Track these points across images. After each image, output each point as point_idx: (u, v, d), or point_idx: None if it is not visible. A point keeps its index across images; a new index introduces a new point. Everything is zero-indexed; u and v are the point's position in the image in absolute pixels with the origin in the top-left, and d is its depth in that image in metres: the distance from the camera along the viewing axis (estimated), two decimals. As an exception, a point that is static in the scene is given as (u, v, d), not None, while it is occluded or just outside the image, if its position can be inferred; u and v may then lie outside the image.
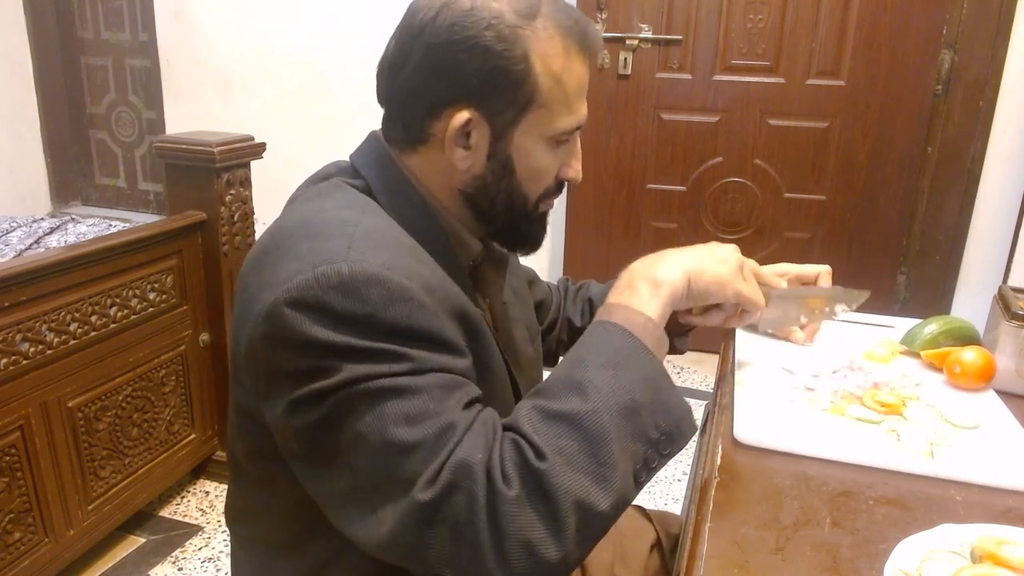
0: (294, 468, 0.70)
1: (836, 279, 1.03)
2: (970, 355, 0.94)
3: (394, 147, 0.79)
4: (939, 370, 0.98)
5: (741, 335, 1.06)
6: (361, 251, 0.66)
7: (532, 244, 0.85)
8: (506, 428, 0.67)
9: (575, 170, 0.81)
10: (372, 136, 0.82)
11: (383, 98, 0.79)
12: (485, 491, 0.61)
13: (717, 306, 0.85)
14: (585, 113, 0.79)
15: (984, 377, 0.93)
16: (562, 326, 1.13)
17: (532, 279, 1.10)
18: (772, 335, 1.07)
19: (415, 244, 0.73)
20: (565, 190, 0.92)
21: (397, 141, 0.79)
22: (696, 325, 0.88)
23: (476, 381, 0.72)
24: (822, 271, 1.02)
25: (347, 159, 0.83)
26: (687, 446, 0.72)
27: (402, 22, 0.75)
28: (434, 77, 0.73)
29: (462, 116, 0.72)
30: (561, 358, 0.77)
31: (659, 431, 0.67)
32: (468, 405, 0.66)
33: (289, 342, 0.65)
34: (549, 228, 0.87)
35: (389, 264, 0.65)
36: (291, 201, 0.81)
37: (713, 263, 0.78)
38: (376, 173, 0.78)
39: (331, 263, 0.64)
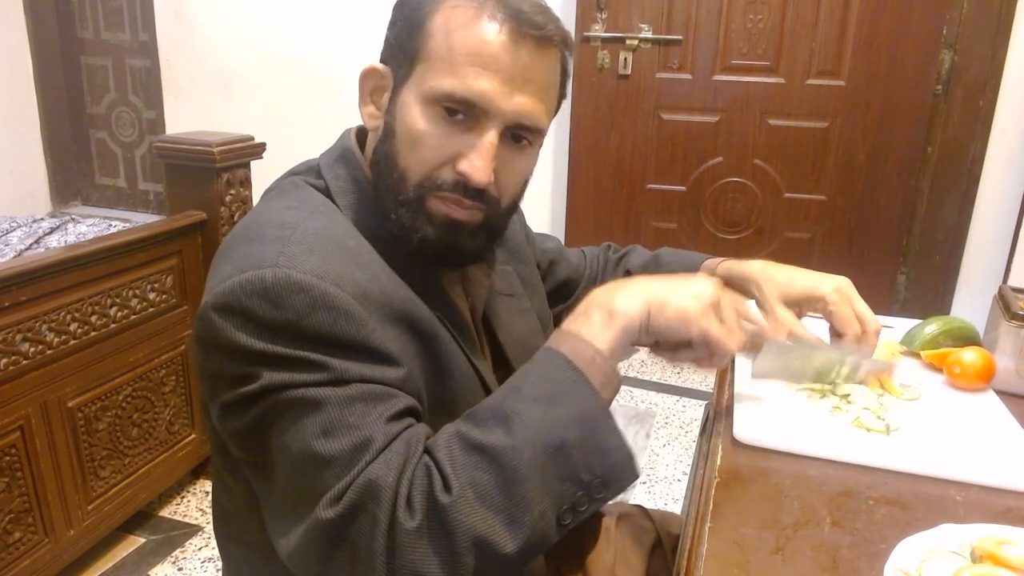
0: (242, 466, 0.71)
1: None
2: (970, 355, 0.94)
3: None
4: (939, 370, 0.98)
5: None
6: (291, 257, 0.64)
7: (425, 250, 0.72)
8: (426, 450, 0.64)
9: (470, 164, 0.69)
10: (344, 133, 0.81)
11: None
12: (387, 516, 0.59)
13: (689, 344, 0.73)
14: (479, 88, 0.67)
15: (984, 377, 0.93)
16: None
17: (554, 259, 1.07)
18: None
19: (362, 246, 0.71)
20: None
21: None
22: (668, 362, 0.79)
23: (432, 386, 0.71)
24: (847, 333, 0.91)
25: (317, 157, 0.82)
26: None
27: None
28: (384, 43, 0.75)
29: (367, 67, 0.74)
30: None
31: (592, 474, 0.62)
32: (394, 418, 0.64)
33: (217, 346, 0.65)
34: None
35: (318, 271, 0.63)
36: (259, 200, 0.80)
37: (680, 297, 0.69)
38: (335, 172, 0.77)
39: (257, 269, 0.63)
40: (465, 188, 0.70)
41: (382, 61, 0.75)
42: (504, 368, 0.86)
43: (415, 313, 0.71)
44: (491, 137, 0.69)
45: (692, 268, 1.06)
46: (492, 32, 0.68)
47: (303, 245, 0.66)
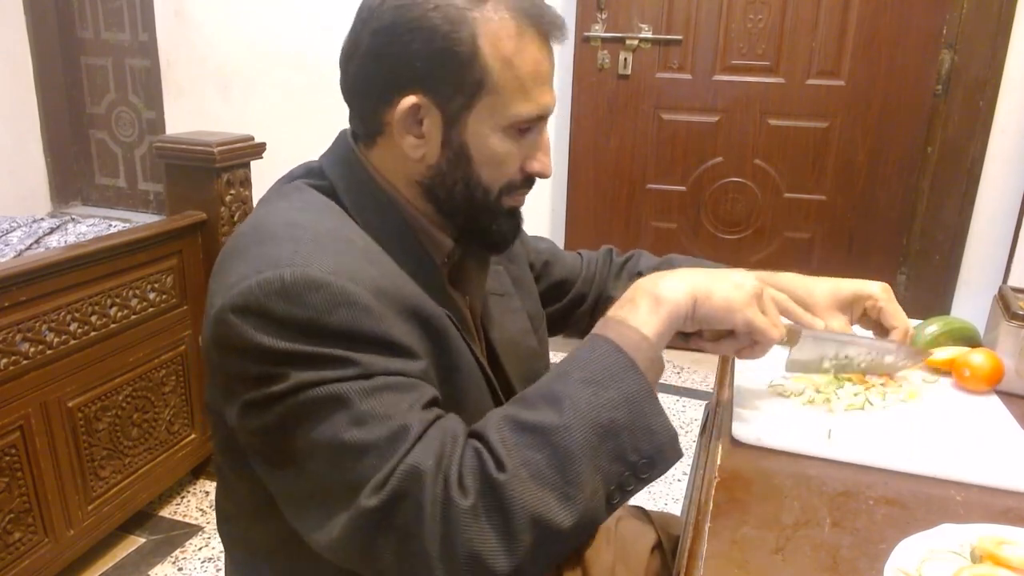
0: (256, 467, 0.70)
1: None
2: (979, 358, 0.93)
3: (359, 143, 0.79)
4: (937, 372, 0.97)
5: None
6: (306, 255, 0.65)
7: (499, 242, 0.81)
8: (473, 435, 0.65)
9: (541, 163, 0.77)
10: (340, 135, 0.81)
11: (342, 91, 0.78)
12: (436, 499, 0.60)
13: (731, 334, 0.76)
14: (548, 102, 0.75)
15: (993, 380, 0.92)
16: (599, 301, 1.08)
17: (549, 260, 1.07)
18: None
19: (370, 245, 0.72)
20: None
21: (359, 135, 0.79)
22: (708, 352, 0.81)
23: (441, 382, 0.72)
24: (898, 325, 0.93)
25: (317, 160, 0.82)
26: (680, 448, 0.70)
27: (356, 13, 0.74)
28: (381, 62, 0.72)
29: (408, 101, 0.71)
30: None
31: (639, 454, 0.64)
32: (425, 407, 0.65)
33: (236, 347, 0.65)
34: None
35: (334, 268, 0.64)
36: (260, 202, 0.80)
37: (725, 287, 0.72)
38: (340, 172, 0.78)
39: (274, 268, 0.64)
40: (531, 182, 0.78)
41: (401, 88, 0.71)
42: (495, 366, 0.86)
43: (426, 309, 0.71)
44: (546, 133, 0.78)
45: None
46: (539, 46, 0.73)
47: (316, 243, 0.67)
